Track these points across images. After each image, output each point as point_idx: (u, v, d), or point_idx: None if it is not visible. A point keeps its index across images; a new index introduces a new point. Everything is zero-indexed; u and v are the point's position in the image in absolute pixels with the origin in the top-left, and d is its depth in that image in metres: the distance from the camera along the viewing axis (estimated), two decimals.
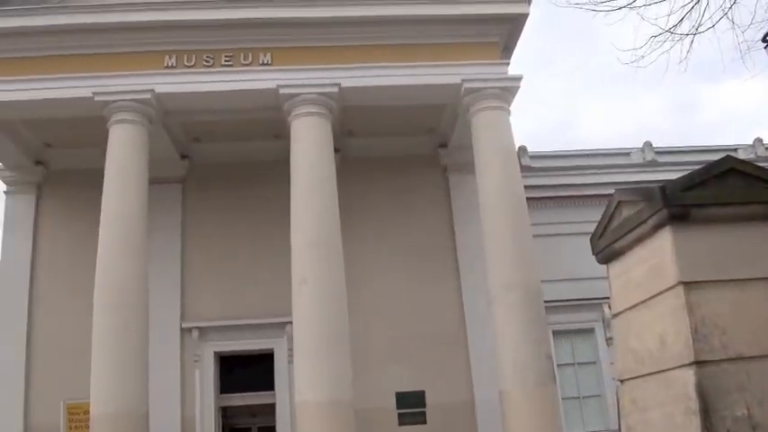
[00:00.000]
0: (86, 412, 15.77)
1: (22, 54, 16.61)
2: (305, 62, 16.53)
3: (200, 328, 19.10)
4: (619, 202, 7.01)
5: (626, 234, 6.82)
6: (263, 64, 16.65)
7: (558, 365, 18.90)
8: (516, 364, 14.68)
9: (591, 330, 20.58)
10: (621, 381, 7.25)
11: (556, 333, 19.53)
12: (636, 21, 11.48)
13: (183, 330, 19.11)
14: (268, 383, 19.16)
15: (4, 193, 20.59)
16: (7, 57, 16.61)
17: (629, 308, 7.06)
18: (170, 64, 16.64)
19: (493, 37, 17.14)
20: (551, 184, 21.59)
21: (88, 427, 15.38)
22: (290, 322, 15.78)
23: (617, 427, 16.16)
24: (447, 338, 19.07)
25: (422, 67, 16.62)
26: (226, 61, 16.68)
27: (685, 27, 10.88)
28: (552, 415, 14.63)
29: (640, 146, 22.67)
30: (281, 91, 16.26)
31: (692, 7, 9.90)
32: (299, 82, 16.30)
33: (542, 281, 15.70)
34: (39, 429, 18.60)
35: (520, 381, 14.60)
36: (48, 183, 20.60)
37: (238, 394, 19.54)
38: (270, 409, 19.09)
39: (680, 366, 6.07)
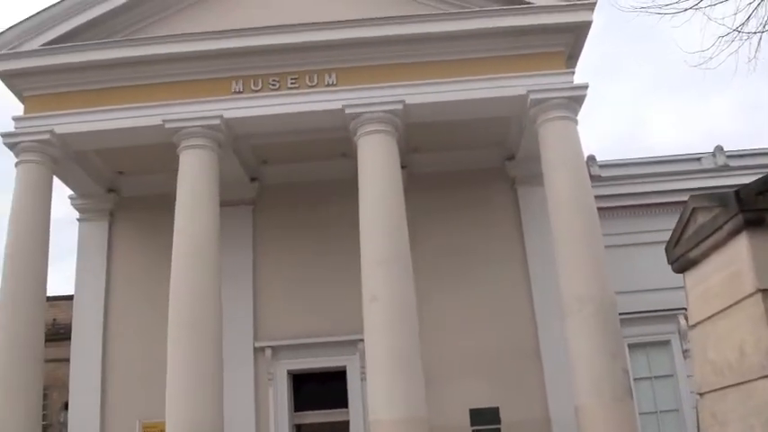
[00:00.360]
0: (162, 431, 16.24)
1: (94, 86, 17.39)
2: (369, 81, 16.78)
3: (272, 347, 19.45)
4: (693, 208, 6.88)
5: (702, 242, 6.69)
6: (328, 85, 16.97)
7: (635, 379, 18.46)
8: (592, 379, 14.45)
9: (667, 342, 20.10)
10: (701, 394, 7.08)
11: (631, 346, 19.15)
12: (702, 21, 11.22)
13: (256, 350, 19.50)
14: (341, 401, 19.33)
15: (78, 220, 21.45)
16: (79, 89, 17.43)
17: (707, 318, 6.90)
18: (237, 89, 17.13)
19: (557, 46, 17.05)
20: (622, 193, 21.28)
21: None
22: (362, 339, 15.92)
23: None
24: (520, 353, 18.91)
25: (486, 80, 16.66)
26: (291, 84, 17.06)
27: (752, 25, 10.64)
28: (629, 430, 14.31)
29: (711, 150, 22.16)
30: (347, 111, 16.53)
31: (759, 4, 9.69)
32: (364, 101, 16.54)
33: (616, 292, 15.48)
34: None
35: (596, 395, 14.35)
36: (120, 209, 21.41)
37: (312, 412, 19.79)
38: (344, 426, 19.21)
39: (760, 378, 5.92)
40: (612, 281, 15.45)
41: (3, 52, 17.26)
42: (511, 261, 19.70)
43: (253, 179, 20.69)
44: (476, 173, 20.43)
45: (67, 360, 20.48)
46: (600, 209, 16.53)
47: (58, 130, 17.15)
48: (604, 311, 14.81)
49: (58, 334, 22.35)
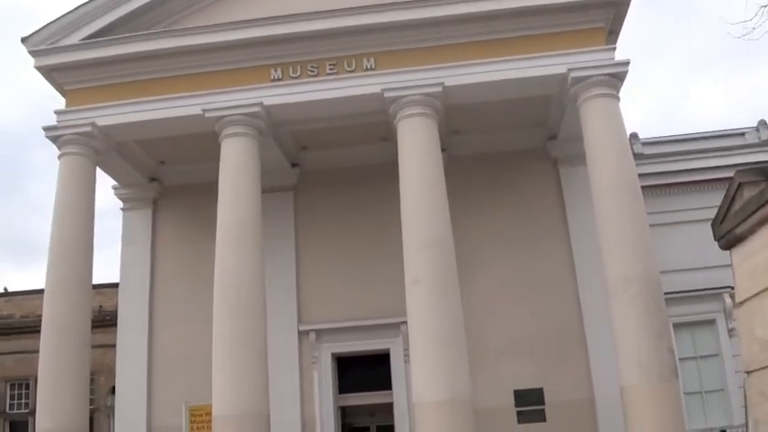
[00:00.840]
0: (208, 414, 16.67)
1: (133, 78, 17.76)
2: (408, 64, 16.83)
3: (316, 331, 19.78)
4: (739, 183, 6.86)
5: (749, 217, 6.67)
6: (366, 69, 17.06)
7: (680, 359, 18.44)
8: (638, 359, 14.41)
9: (712, 322, 19.99)
10: (748, 372, 7.08)
11: (676, 326, 19.09)
12: None
13: (300, 333, 19.84)
14: (385, 383, 19.60)
15: (122, 209, 21.98)
16: (119, 82, 17.82)
17: (755, 295, 6.88)
18: (276, 77, 17.32)
19: (598, 22, 16.87)
20: (665, 171, 21.12)
21: (210, 428, 16.25)
22: (405, 322, 16.12)
23: (744, 422, 15.68)
24: (564, 334, 18.93)
25: (526, 60, 16.58)
26: (330, 69, 17.20)
27: None
28: (675, 411, 14.30)
29: (755, 125, 21.84)
30: (386, 94, 16.62)
31: None
32: (403, 84, 16.61)
33: (660, 272, 15.38)
34: (162, 429, 19.82)
35: (642, 376, 14.33)
36: (163, 197, 21.90)
37: (356, 394, 20.09)
38: (388, 408, 19.52)
39: None
40: (657, 260, 15.40)
41: (43, 48, 17.70)
42: (554, 242, 19.68)
43: (293, 165, 20.94)
44: (517, 154, 20.41)
45: (114, 346, 21.08)
46: (643, 187, 16.43)
47: (100, 122, 17.56)
48: (649, 291, 14.75)
49: (105, 321, 22.90)
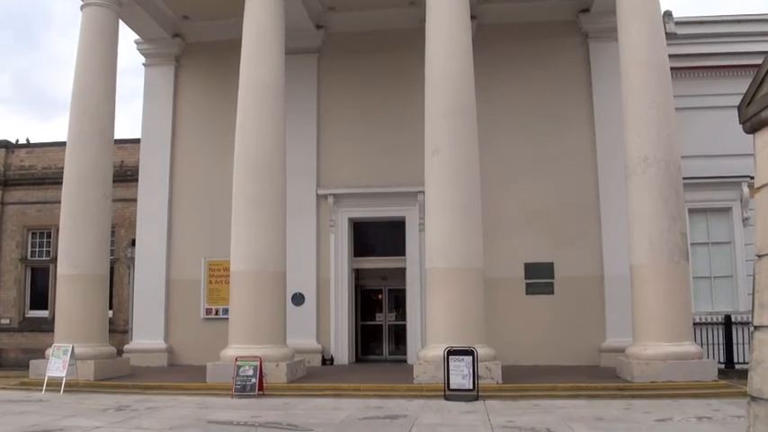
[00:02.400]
0: (226, 269, 17.36)
1: None
2: None
3: (334, 195, 20.20)
4: None
5: None
6: None
7: (692, 244, 18.71)
8: (650, 239, 14.72)
9: (728, 209, 20.16)
10: (759, 256, 7.28)
11: (691, 211, 19.30)
12: None
13: (318, 197, 20.28)
14: (399, 249, 20.19)
15: (144, 65, 21.94)
16: None
17: None
18: None
19: None
20: (697, 53, 20.66)
21: (227, 283, 16.95)
22: (422, 191, 16.37)
23: (750, 309, 16.09)
24: (579, 211, 19.25)
25: None
26: None
27: None
28: (682, 292, 14.71)
29: None
30: None
31: None
32: None
33: (682, 156, 15.43)
34: (180, 282, 20.74)
35: (653, 256, 14.67)
36: (185, 54, 21.82)
37: (370, 258, 20.79)
38: (400, 272, 20.20)
39: None
40: (679, 144, 15.40)
41: None
42: (577, 118, 19.63)
43: (318, 27, 20.65)
44: (547, 25, 20.02)
45: (134, 200, 21.65)
46: (673, 69, 16.20)
47: None
48: (669, 174, 14.88)
49: (126, 176, 23.33)
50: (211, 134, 20.70)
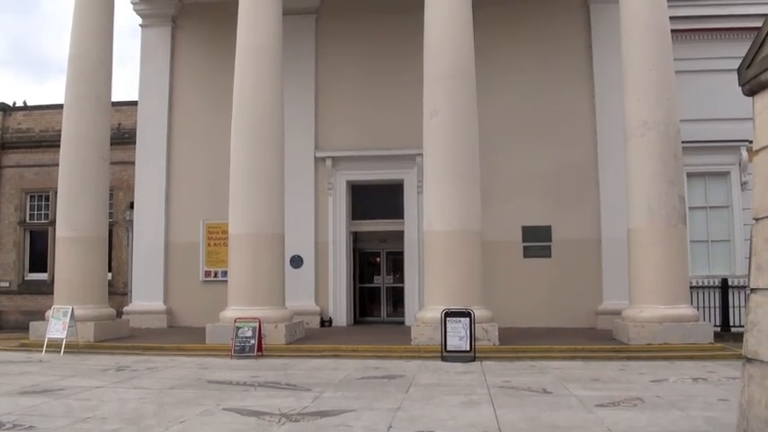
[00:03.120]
0: (225, 232, 17.39)
1: None
2: None
3: (333, 158, 20.18)
4: None
5: None
6: None
7: (690, 208, 18.74)
8: (648, 203, 14.74)
9: (726, 174, 20.11)
10: (757, 219, 7.30)
11: (690, 175, 19.24)
12: None
13: (316, 159, 20.27)
14: (398, 212, 20.24)
15: (141, 26, 21.72)
16: None
17: None
18: None
19: None
20: (697, 15, 20.45)
21: (226, 246, 17.01)
22: (421, 154, 16.32)
23: (746, 273, 16.16)
24: (578, 174, 19.26)
25: None
26: None
27: None
28: (679, 255, 14.76)
29: None
30: None
31: None
32: None
33: (681, 120, 15.35)
34: (179, 245, 20.82)
35: (650, 220, 14.71)
36: (183, 15, 21.60)
37: (369, 221, 20.83)
38: (398, 235, 20.27)
39: None
40: (679, 107, 15.32)
41: None
42: (577, 81, 19.54)
43: None
44: None
45: (133, 163, 21.60)
46: (673, 31, 16.02)
47: None
48: (668, 137, 14.84)
49: (123, 138, 23.22)
50: (209, 96, 20.58)
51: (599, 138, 19.18)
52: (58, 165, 17.29)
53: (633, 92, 15.19)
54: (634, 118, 15.07)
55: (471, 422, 7.53)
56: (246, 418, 7.79)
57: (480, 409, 8.35)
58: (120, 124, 23.70)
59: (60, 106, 17.73)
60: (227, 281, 16.18)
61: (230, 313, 15.17)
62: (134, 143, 21.51)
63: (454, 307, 13.75)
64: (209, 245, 20.69)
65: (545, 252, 19.24)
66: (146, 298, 20.41)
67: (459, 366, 12.50)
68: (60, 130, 17.34)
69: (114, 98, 18.37)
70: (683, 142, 15.42)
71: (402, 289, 20.41)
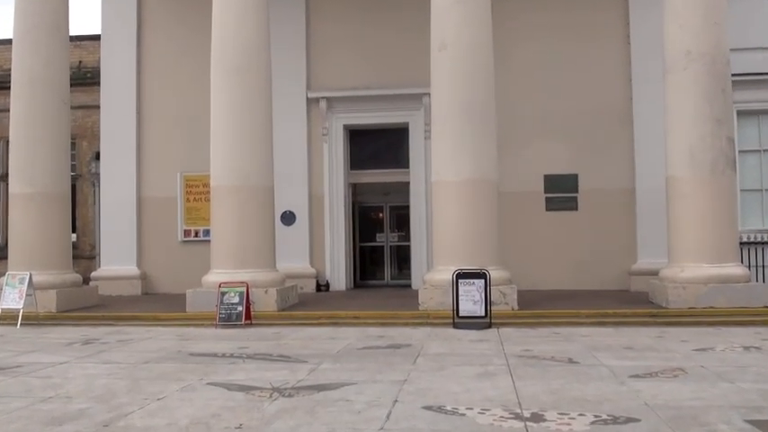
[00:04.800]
0: (206, 185, 17.39)
1: None
2: None
3: (327, 99, 20.10)
4: None
5: None
6: None
7: (741, 152, 18.64)
8: (690, 147, 14.64)
9: None
10: None
11: (740, 113, 19.06)
12: None
13: (309, 101, 20.19)
14: (402, 160, 20.25)
15: None
16: None
17: None
18: None
19: None
20: None
21: (208, 200, 17.02)
22: (428, 93, 16.22)
23: None
24: (609, 115, 19.17)
25: None
26: None
27: None
28: (727, 207, 14.74)
29: None
30: None
31: None
32: None
33: (731, 49, 15.14)
34: (153, 201, 20.85)
35: (693, 166, 14.64)
36: None
37: (369, 171, 20.84)
38: (403, 187, 20.31)
39: None
40: (727, 34, 15.04)
41: None
42: (609, 4, 19.36)
43: None
44: None
45: (97, 107, 21.46)
46: None
47: None
48: (714, 70, 14.66)
49: (86, 78, 23.09)
50: (184, 33, 20.38)
51: (634, 71, 19.02)
52: (8, 110, 17.13)
53: (674, 17, 14.96)
54: (675, 48, 14.90)
55: (487, 396, 7.59)
56: (234, 394, 7.86)
57: (497, 380, 8.42)
58: (80, 62, 23.59)
59: (9, 41, 17.56)
60: (209, 241, 16.28)
61: (214, 277, 15.27)
62: (98, 84, 21.36)
63: (467, 267, 13.81)
64: (188, 200, 20.72)
65: (570, 204, 19.26)
66: (116, 262, 20.50)
67: (473, 334, 12.59)
68: (10, 70, 17.19)
69: (72, 32, 18.16)
70: (732, 75, 15.23)
71: (408, 248, 20.52)
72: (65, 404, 7.49)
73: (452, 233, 14.76)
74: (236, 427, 6.38)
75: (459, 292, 13.51)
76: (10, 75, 17.22)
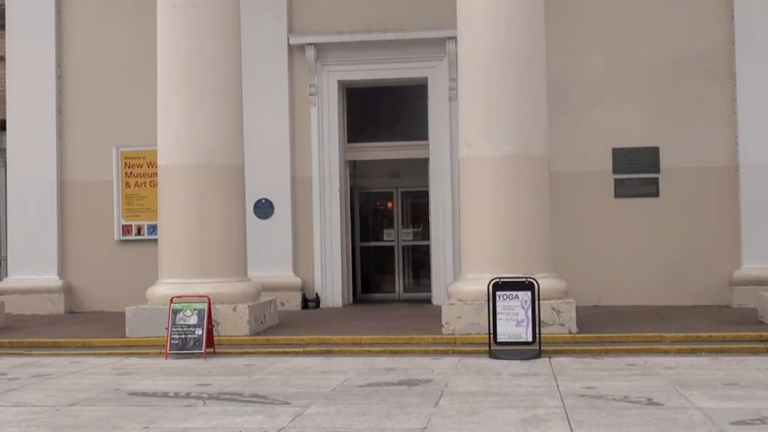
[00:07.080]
0: (151, 164, 17.43)
1: None
2: None
3: (316, 45, 20.06)
4: None
5: None
6: None
7: None
8: None
9: None
10: None
11: None
12: None
13: (291, 48, 20.20)
14: (419, 130, 20.25)
15: None
16: None
17: None
18: None
19: None
20: None
21: (154, 185, 17.02)
22: (454, 37, 16.33)
23: None
24: (701, 69, 19.13)
25: None
26: None
27: None
28: None
29: None
30: None
31: None
32: None
33: None
34: (81, 186, 20.92)
35: None
36: None
37: (374, 144, 20.86)
38: (420, 165, 20.35)
39: None
40: None
41: None
42: None
43: None
44: None
45: (2, 59, 21.45)
46: None
47: None
48: None
49: None
50: None
51: (737, 14, 18.94)
52: None
53: None
54: None
55: None
56: None
57: (550, 429, 8.40)
58: None
59: None
60: (156, 240, 16.34)
61: (163, 289, 15.37)
62: (3, 28, 21.31)
63: (508, 275, 13.81)
64: (127, 185, 20.73)
65: (649, 189, 19.22)
66: (29, 269, 20.63)
67: (515, 366, 12.60)
68: None
69: None
70: None
71: (427, 249, 20.62)
72: None
73: (488, 228, 14.81)
74: None
75: (498, 310, 13.50)
76: None
